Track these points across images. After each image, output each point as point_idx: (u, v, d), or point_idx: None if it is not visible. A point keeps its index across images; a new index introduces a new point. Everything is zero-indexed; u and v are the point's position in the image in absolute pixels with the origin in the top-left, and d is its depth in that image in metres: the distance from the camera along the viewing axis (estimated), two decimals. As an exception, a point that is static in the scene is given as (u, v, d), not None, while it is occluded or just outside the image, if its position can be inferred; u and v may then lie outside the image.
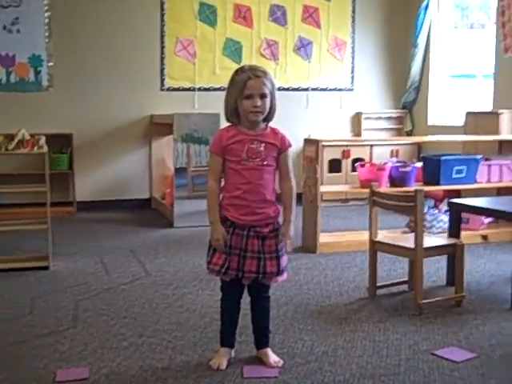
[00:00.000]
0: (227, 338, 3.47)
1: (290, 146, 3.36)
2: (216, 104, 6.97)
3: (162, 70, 8.46)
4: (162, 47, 8.42)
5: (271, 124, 3.37)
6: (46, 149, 5.44)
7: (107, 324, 4.04)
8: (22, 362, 3.46)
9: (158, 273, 5.26)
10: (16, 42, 7.88)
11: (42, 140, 5.51)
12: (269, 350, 3.47)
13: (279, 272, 3.34)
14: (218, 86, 8.32)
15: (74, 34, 8.07)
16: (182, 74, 8.52)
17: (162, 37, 8.40)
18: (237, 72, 3.31)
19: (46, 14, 7.94)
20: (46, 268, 5.29)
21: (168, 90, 8.50)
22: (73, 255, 5.82)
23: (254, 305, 3.47)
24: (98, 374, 3.30)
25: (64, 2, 7.97)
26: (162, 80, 8.48)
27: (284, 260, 3.37)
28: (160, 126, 8.18)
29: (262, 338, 3.49)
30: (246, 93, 3.22)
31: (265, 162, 3.27)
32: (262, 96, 3.23)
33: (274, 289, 3.45)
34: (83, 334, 3.87)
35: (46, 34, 7.97)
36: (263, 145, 3.28)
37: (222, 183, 3.37)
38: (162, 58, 8.44)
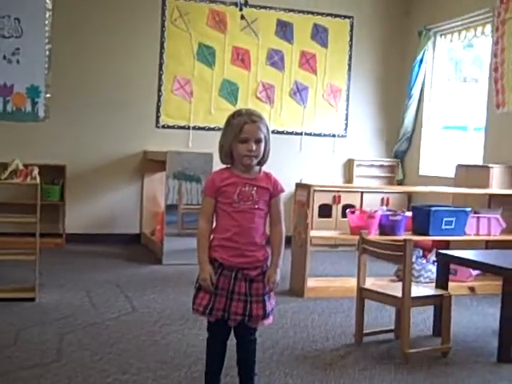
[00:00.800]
0: (212, 379, 3.44)
1: (282, 190, 3.38)
2: (210, 143, 7.12)
3: (158, 107, 8.53)
4: (160, 85, 8.50)
5: (264, 167, 3.40)
6: (38, 180, 5.46)
7: (91, 359, 4.01)
8: (3, 394, 3.43)
9: (144, 309, 5.24)
10: (15, 73, 7.92)
11: (35, 171, 5.52)
12: (253, 393, 3.45)
13: (265, 315, 3.33)
14: (212, 126, 8.43)
15: (73, 68, 8.16)
16: (178, 113, 8.59)
17: (160, 74, 8.49)
18: (233, 115, 3.32)
19: (46, 47, 8.00)
20: (32, 299, 5.26)
21: (163, 127, 8.56)
22: (60, 287, 5.79)
23: (240, 347, 3.45)
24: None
25: (65, 35, 8.05)
26: (158, 117, 8.54)
27: (271, 303, 3.36)
28: (153, 163, 8.23)
29: (247, 381, 3.46)
30: (242, 137, 3.23)
31: (256, 206, 3.28)
32: (258, 141, 3.25)
33: (260, 331, 3.44)
34: (66, 368, 3.83)
35: (46, 65, 8.03)
36: (255, 188, 3.29)
37: (214, 225, 3.39)
38: (159, 96, 8.51)
